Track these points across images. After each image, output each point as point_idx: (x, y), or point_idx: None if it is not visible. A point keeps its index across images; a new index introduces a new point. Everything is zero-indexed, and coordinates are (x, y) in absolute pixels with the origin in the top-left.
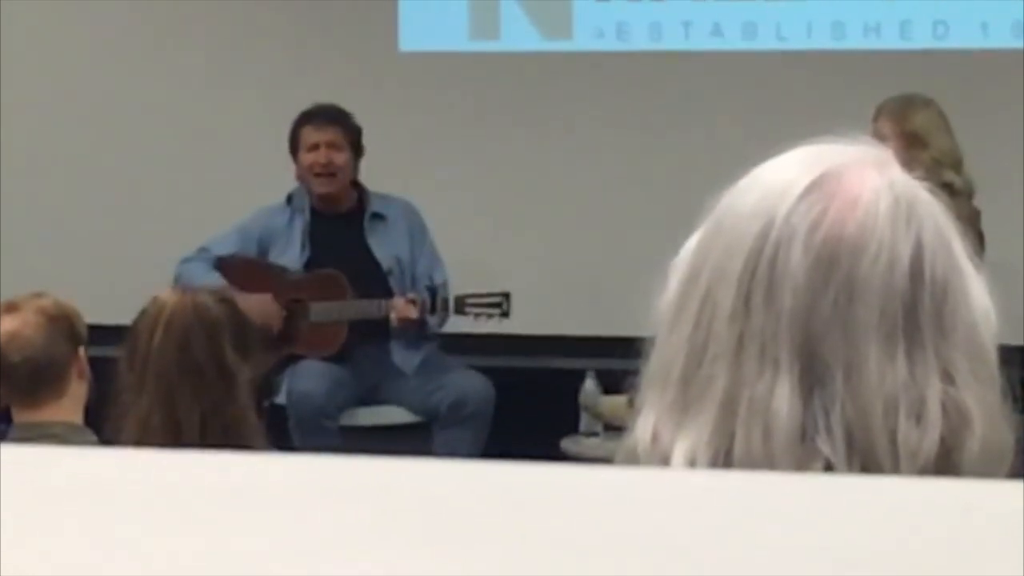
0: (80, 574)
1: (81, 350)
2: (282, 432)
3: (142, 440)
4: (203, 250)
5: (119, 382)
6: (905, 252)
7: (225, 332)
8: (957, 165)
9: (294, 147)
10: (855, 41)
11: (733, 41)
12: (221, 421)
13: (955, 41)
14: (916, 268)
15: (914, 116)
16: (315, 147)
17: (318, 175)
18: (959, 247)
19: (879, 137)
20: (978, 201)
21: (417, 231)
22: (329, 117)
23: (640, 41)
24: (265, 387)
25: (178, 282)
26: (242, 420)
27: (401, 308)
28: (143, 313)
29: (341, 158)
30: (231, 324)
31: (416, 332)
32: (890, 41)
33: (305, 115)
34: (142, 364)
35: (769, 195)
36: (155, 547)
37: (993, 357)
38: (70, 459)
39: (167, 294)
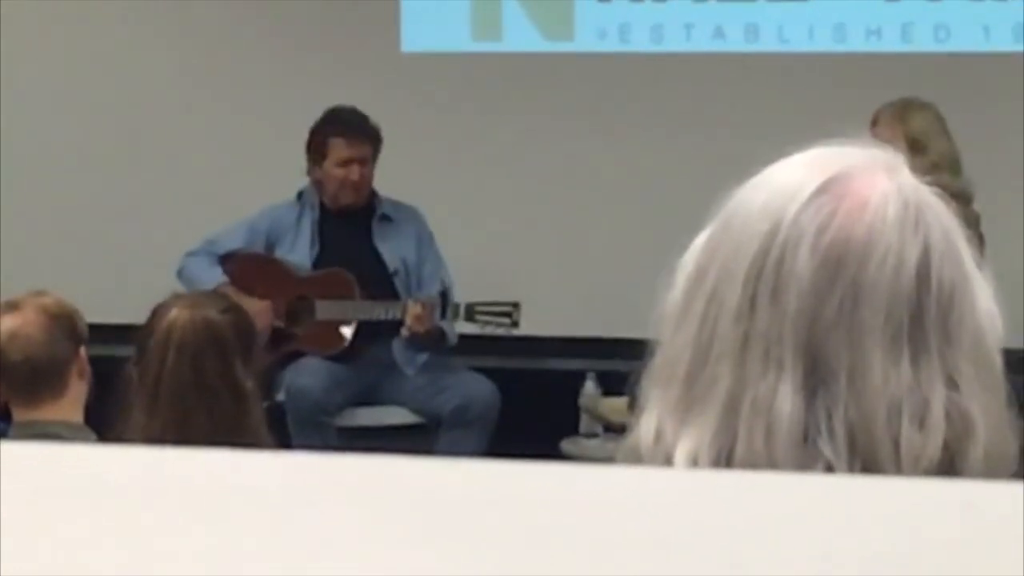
0: (80, 573)
1: (82, 349)
2: (281, 429)
3: None
4: (209, 243)
5: (127, 397)
6: (912, 257)
7: (234, 347)
8: (955, 168)
9: (319, 153)
10: (857, 44)
11: (735, 43)
12: (235, 438)
13: (956, 44)
14: (923, 273)
15: (912, 120)
16: (348, 162)
17: (347, 188)
18: (967, 253)
19: (879, 143)
20: (979, 204)
21: (424, 237)
22: (363, 132)
23: (642, 43)
24: (264, 386)
25: (181, 276)
26: (254, 434)
27: (412, 322)
28: (151, 330)
29: (369, 171)
30: (237, 335)
31: (433, 344)
32: (892, 44)
33: (337, 125)
34: (153, 385)
35: (778, 196)
36: (155, 545)
37: (999, 364)
38: (70, 457)
39: (176, 312)
